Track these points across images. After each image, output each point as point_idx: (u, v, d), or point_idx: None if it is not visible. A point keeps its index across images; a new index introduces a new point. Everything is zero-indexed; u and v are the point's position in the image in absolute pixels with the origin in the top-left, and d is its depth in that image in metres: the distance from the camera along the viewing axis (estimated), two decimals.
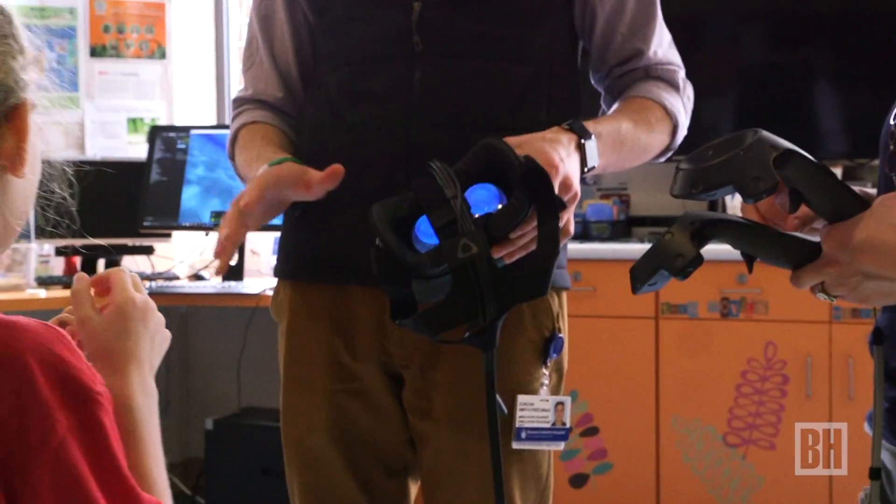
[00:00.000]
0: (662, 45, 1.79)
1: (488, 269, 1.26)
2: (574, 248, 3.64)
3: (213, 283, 4.04)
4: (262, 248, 4.32)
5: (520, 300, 1.31)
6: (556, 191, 1.41)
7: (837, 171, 3.59)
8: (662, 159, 1.81)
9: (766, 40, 3.93)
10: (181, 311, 4.57)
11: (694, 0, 3.87)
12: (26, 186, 1.06)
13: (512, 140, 1.43)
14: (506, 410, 1.49)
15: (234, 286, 3.92)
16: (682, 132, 1.78)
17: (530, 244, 1.40)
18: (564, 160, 1.48)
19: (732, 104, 3.98)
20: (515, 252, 1.41)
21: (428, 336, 1.33)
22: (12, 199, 1.04)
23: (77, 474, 0.91)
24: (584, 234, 3.82)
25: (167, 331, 1.15)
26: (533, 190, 1.32)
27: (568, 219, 1.49)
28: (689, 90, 1.82)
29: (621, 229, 3.86)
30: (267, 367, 4.22)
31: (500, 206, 1.33)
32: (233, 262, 4.03)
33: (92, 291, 1.13)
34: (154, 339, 1.12)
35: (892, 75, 3.58)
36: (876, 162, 3.66)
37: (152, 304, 1.13)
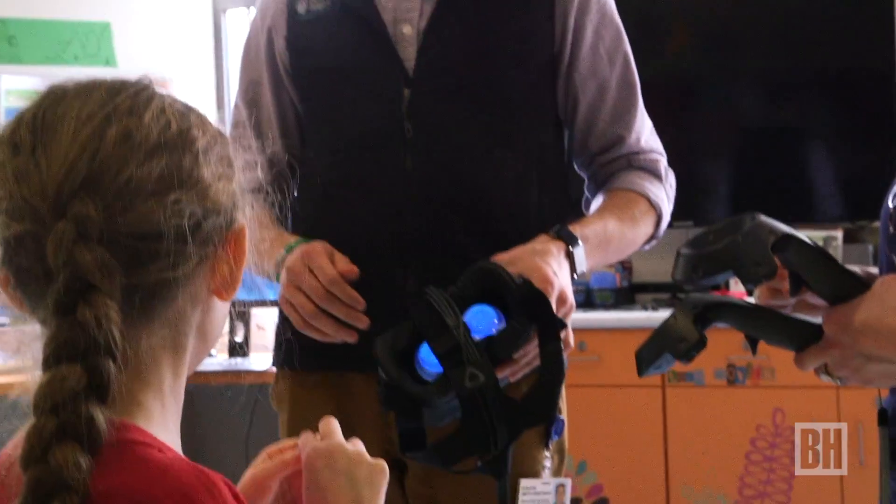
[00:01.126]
0: (644, 133, 1.80)
1: (496, 397, 1.26)
2: (577, 316, 3.59)
3: (220, 360, 4.01)
4: (268, 323, 4.27)
5: (529, 426, 1.33)
6: (553, 307, 1.43)
7: (838, 234, 3.61)
8: (647, 248, 1.83)
9: (763, 102, 3.93)
10: (188, 388, 4.56)
11: (691, 62, 3.90)
12: (226, 305, 1.05)
13: (503, 257, 1.47)
14: None
15: (240, 363, 3.91)
16: (666, 220, 1.80)
17: (532, 361, 1.41)
18: (558, 273, 1.50)
19: (730, 166, 3.99)
20: (518, 370, 1.43)
21: (441, 468, 1.36)
22: (213, 319, 1.03)
23: None
24: (587, 303, 3.81)
25: (374, 461, 1.12)
26: (532, 311, 1.33)
27: (567, 331, 1.49)
28: (671, 178, 1.82)
29: (624, 296, 3.87)
30: (272, 441, 4.20)
31: (499, 329, 1.34)
32: (238, 339, 4.01)
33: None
34: (353, 476, 1.09)
35: (888, 136, 3.60)
36: (877, 224, 3.65)
37: (336, 445, 1.11)
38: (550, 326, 1.35)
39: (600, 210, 1.74)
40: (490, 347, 1.30)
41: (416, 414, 1.32)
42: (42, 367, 0.89)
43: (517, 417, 1.29)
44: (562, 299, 1.49)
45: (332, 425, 1.12)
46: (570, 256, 1.57)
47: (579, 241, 1.59)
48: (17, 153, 0.93)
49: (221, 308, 1.04)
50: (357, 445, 1.13)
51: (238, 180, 1.04)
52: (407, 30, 1.71)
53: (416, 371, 1.32)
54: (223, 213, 0.99)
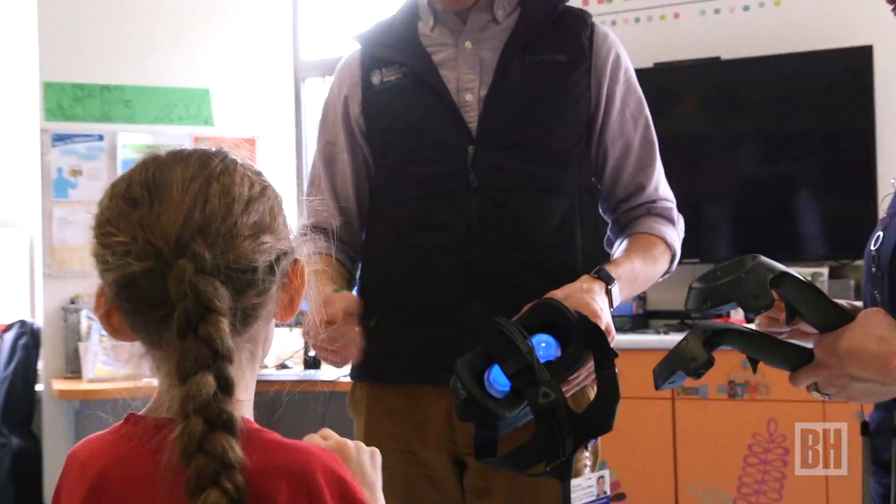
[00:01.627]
0: (661, 183, 1.81)
1: (565, 412, 1.27)
2: None
3: (296, 372, 4.05)
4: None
5: (591, 437, 1.33)
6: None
7: (824, 271, 3.56)
8: (660, 280, 1.82)
9: (757, 156, 3.90)
10: (269, 394, 4.58)
11: (696, 123, 3.89)
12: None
13: (557, 293, 1.47)
14: None
15: (313, 374, 3.95)
16: (678, 258, 1.81)
17: (582, 381, 1.42)
18: (604, 308, 1.51)
19: (730, 211, 3.94)
20: (570, 389, 1.43)
21: (516, 472, 1.34)
22: (271, 336, 1.07)
23: None
24: None
25: (370, 448, 1.12)
26: (589, 341, 1.34)
27: None
28: (680, 223, 1.83)
29: (640, 322, 3.83)
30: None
31: (556, 355, 1.35)
32: (312, 354, 4.04)
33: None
34: (361, 462, 1.09)
35: (867, 185, 3.56)
36: (858, 262, 3.62)
37: (341, 441, 1.10)
38: (606, 355, 1.36)
39: (627, 252, 1.74)
40: (551, 369, 1.31)
41: (492, 425, 1.33)
42: (179, 379, 0.91)
43: (580, 430, 1.29)
44: (608, 331, 1.48)
45: (329, 431, 1.11)
46: (608, 293, 1.58)
47: (615, 281, 1.60)
48: (137, 207, 0.96)
49: (274, 328, 1.07)
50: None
51: (292, 228, 1.06)
52: (469, 97, 1.72)
53: (485, 388, 1.32)
54: (290, 252, 1.03)
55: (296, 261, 1.05)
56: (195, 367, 0.90)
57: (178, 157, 1.02)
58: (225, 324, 0.93)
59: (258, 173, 1.04)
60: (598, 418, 1.33)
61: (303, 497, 0.93)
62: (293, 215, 1.08)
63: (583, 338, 1.35)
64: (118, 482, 0.98)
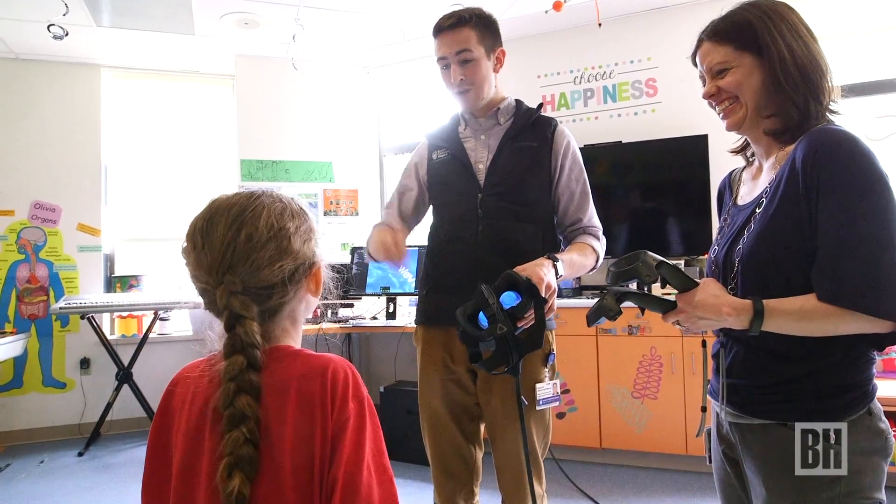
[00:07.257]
0: (593, 217, 1.77)
1: (512, 337, 1.26)
2: (557, 301, 3.56)
3: (381, 321, 3.99)
4: (405, 303, 4.29)
5: (528, 351, 1.30)
6: (543, 291, 1.40)
7: (681, 262, 3.51)
8: (591, 272, 1.76)
9: (641, 197, 3.84)
10: (367, 335, 4.56)
11: (606, 178, 3.83)
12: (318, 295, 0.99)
13: (519, 268, 1.44)
14: (527, 403, 1.47)
15: (391, 322, 3.89)
16: (601, 260, 1.75)
17: (530, 320, 1.37)
18: (547, 274, 1.46)
19: (627, 228, 3.88)
20: (525, 323, 1.39)
21: (487, 371, 1.32)
22: (311, 302, 0.98)
23: (359, 438, 0.86)
24: (560, 295, 3.73)
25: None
26: (531, 295, 1.32)
27: (552, 303, 1.47)
28: (603, 239, 1.78)
29: (577, 292, 3.81)
30: (408, 361, 4.19)
31: (517, 302, 1.32)
32: (390, 310, 4.01)
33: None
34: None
35: (704, 213, 3.54)
36: (701, 257, 3.55)
37: None
38: (539, 303, 1.34)
39: (569, 250, 1.71)
40: (512, 312, 1.29)
41: (476, 345, 1.31)
42: (224, 356, 0.86)
43: (522, 347, 1.28)
44: (548, 287, 1.45)
45: None
46: (554, 266, 1.54)
47: (560, 261, 1.57)
48: (195, 249, 0.89)
49: (314, 298, 0.96)
50: None
51: (316, 237, 0.92)
52: (480, 166, 1.71)
53: (477, 324, 1.31)
54: (307, 262, 0.91)
55: (313, 265, 0.91)
56: (231, 351, 0.85)
57: (223, 209, 0.89)
58: (253, 325, 0.85)
59: (280, 213, 0.89)
60: (532, 340, 1.30)
61: (328, 384, 0.85)
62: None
63: (529, 293, 1.32)
64: (185, 378, 0.93)
